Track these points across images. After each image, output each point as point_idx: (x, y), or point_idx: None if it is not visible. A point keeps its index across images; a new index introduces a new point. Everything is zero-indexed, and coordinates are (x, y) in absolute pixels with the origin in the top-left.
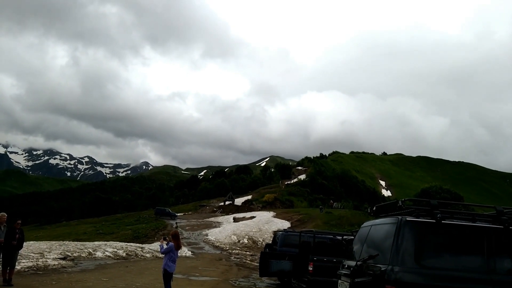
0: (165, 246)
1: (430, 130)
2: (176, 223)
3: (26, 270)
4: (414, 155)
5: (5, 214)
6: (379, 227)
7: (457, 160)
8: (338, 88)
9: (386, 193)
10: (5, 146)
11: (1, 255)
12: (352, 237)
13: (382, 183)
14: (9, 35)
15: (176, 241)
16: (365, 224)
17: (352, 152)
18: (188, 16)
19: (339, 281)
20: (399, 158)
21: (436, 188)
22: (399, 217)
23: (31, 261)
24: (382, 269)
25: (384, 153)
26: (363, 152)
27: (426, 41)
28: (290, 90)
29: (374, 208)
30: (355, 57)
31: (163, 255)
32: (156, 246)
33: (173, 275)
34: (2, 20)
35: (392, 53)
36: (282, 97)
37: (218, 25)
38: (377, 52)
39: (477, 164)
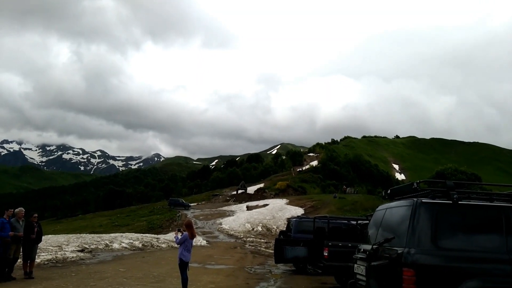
0: (179, 237)
1: (439, 111)
2: (179, 214)
3: (46, 263)
4: (425, 136)
5: (23, 209)
6: (394, 210)
7: (471, 141)
8: (342, 72)
9: (400, 176)
10: (19, 143)
11: (21, 249)
12: (367, 222)
13: (396, 166)
14: (13, 34)
15: (190, 230)
16: (380, 207)
17: (364, 137)
18: (186, 7)
19: (355, 265)
20: (412, 141)
21: (451, 170)
22: (415, 199)
23: (50, 254)
24: (399, 251)
25: (397, 137)
26: (375, 136)
27: (427, 23)
28: (294, 77)
29: (389, 191)
30: (357, 41)
31: (179, 245)
32: (171, 236)
33: (189, 264)
34: (5, 20)
35: (394, 36)
36: (286, 84)
37: (217, 15)
38: (379, 36)
39: (492, 144)
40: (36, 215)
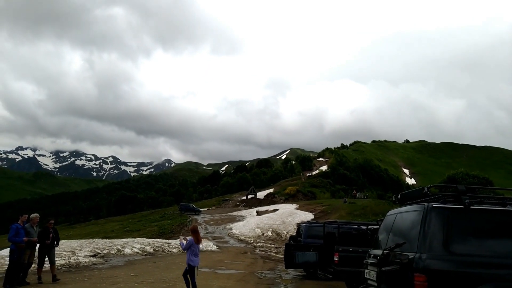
0: (184, 242)
1: (449, 114)
2: (190, 218)
3: (59, 267)
4: (435, 140)
5: (38, 215)
6: (405, 215)
7: (482, 145)
8: (350, 77)
9: (410, 181)
10: (33, 150)
11: (35, 254)
12: (377, 227)
13: (406, 171)
14: (27, 43)
15: (195, 235)
16: (391, 212)
17: (373, 141)
18: (195, 14)
19: (366, 270)
20: (422, 145)
21: (462, 174)
22: (426, 204)
23: (64, 259)
24: (410, 257)
25: (407, 141)
26: (385, 141)
27: (434, 25)
28: (302, 82)
29: (399, 196)
30: (364, 45)
31: (186, 251)
32: None
33: (200, 269)
34: (20, 30)
35: (401, 39)
36: (295, 89)
37: (225, 22)
38: (385, 39)
39: (504, 148)
40: (52, 221)
